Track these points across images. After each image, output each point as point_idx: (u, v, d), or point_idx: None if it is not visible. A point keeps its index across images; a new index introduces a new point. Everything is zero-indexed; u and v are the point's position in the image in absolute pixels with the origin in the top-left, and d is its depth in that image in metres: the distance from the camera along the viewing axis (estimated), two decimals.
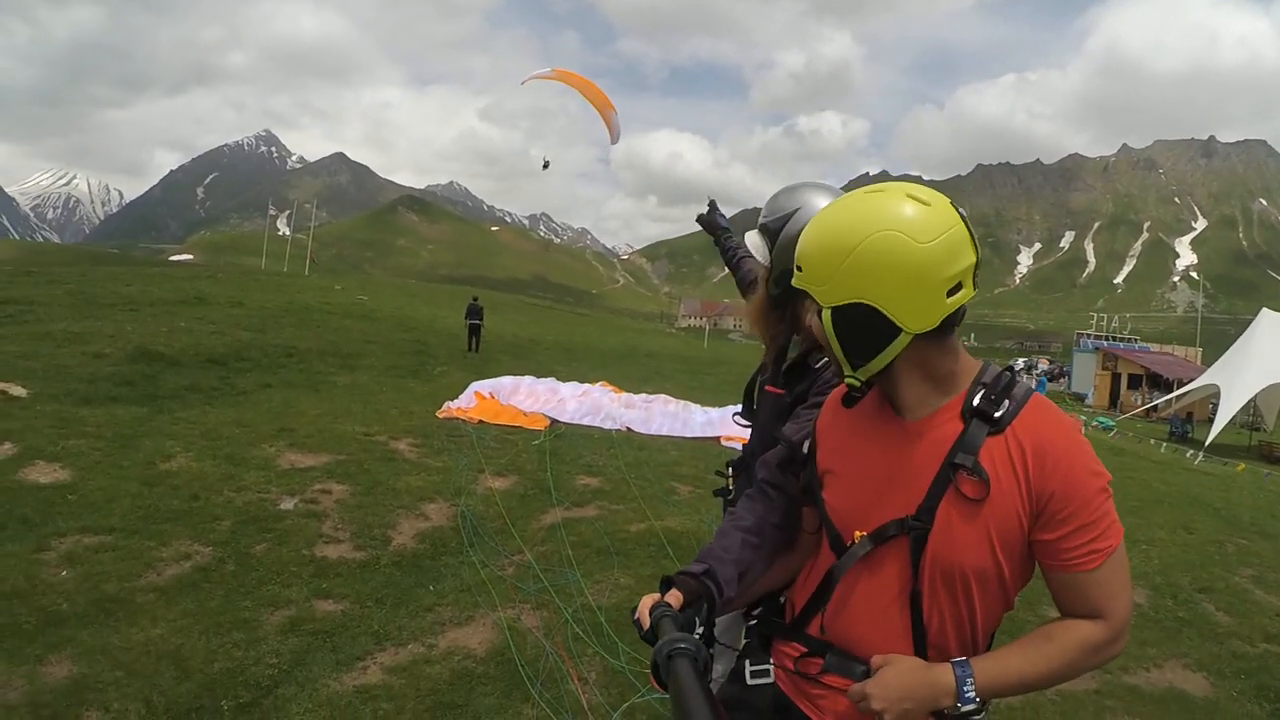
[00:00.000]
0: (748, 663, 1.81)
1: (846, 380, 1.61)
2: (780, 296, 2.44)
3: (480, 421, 11.51)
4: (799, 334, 2.45)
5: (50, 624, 4.48)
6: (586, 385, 15.18)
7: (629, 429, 12.22)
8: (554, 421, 12.03)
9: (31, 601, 4.70)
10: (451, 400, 12.71)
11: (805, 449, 1.88)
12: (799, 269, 1.60)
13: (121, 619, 4.64)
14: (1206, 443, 25.99)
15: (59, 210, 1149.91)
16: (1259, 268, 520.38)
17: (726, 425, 12.48)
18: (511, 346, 25.41)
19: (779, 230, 2.45)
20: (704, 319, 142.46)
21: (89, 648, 4.26)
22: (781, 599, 1.93)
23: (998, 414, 1.54)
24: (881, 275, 1.49)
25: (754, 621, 1.95)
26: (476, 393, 13.29)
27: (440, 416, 11.66)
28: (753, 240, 2.63)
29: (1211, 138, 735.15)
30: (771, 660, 1.80)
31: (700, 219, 3.90)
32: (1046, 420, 1.55)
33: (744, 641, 1.99)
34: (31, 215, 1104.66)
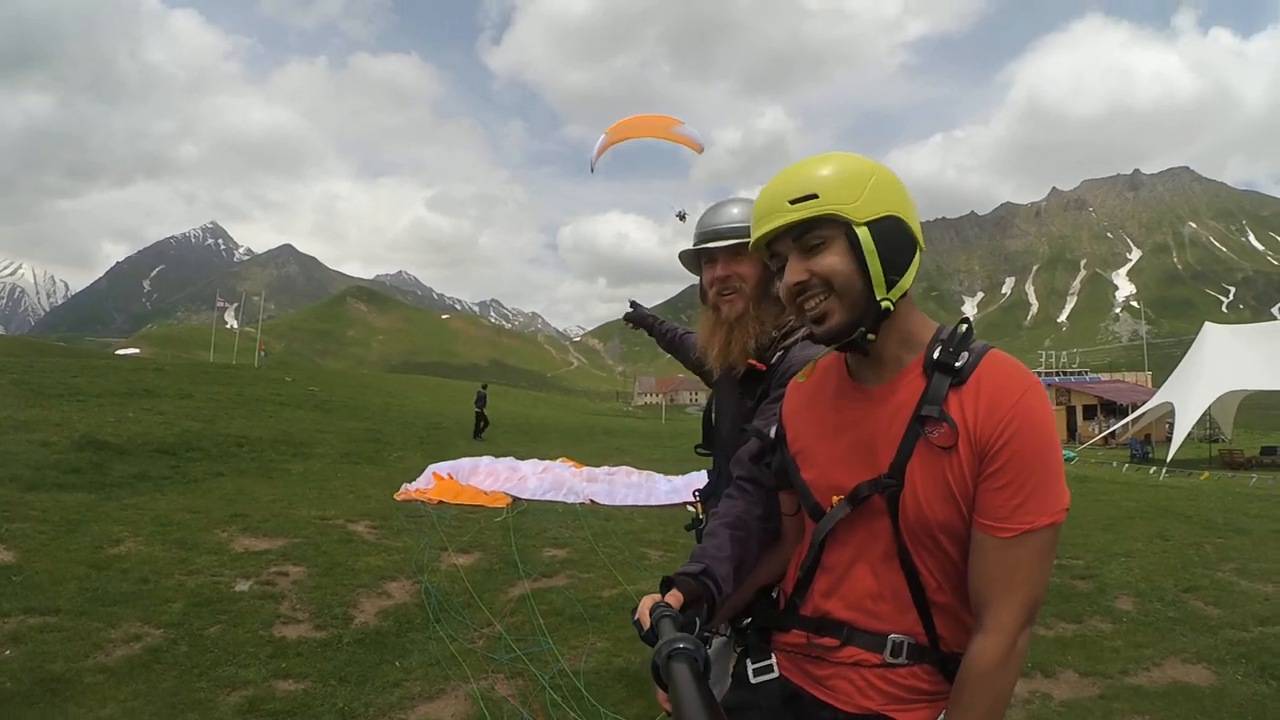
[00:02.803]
0: (749, 661, 1.80)
1: (884, 300, 1.54)
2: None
3: (440, 502, 11.32)
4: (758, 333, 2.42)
5: None
6: (546, 462, 15.03)
7: (593, 501, 12.08)
8: (516, 499, 11.85)
9: None
10: (409, 483, 12.51)
11: (773, 434, 1.87)
12: (813, 196, 1.52)
13: (69, 699, 4.38)
14: (1168, 458, 26.40)
15: (4, 301, 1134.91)
16: (1195, 286, 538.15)
17: (691, 491, 12.38)
18: (468, 430, 25.19)
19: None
20: (660, 395, 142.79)
21: None
22: (774, 593, 1.90)
23: (958, 364, 1.53)
24: (898, 194, 1.56)
25: (749, 620, 1.90)
26: (435, 474, 13.12)
27: (398, 499, 11.46)
28: (686, 258, 2.65)
29: (1136, 171, 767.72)
30: (774, 651, 1.78)
31: (628, 318, 3.97)
32: (1005, 370, 1.53)
33: (737, 650, 1.95)
34: None
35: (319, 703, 4.68)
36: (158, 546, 7.59)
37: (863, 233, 1.52)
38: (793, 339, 2.29)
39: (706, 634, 1.68)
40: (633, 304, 3.91)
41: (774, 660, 1.76)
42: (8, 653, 4.85)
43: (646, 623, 1.52)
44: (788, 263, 1.58)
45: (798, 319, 1.64)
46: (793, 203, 1.53)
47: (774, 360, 2.30)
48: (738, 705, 1.77)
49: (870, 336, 1.55)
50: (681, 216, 3.01)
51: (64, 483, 10.36)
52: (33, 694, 4.37)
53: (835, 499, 1.63)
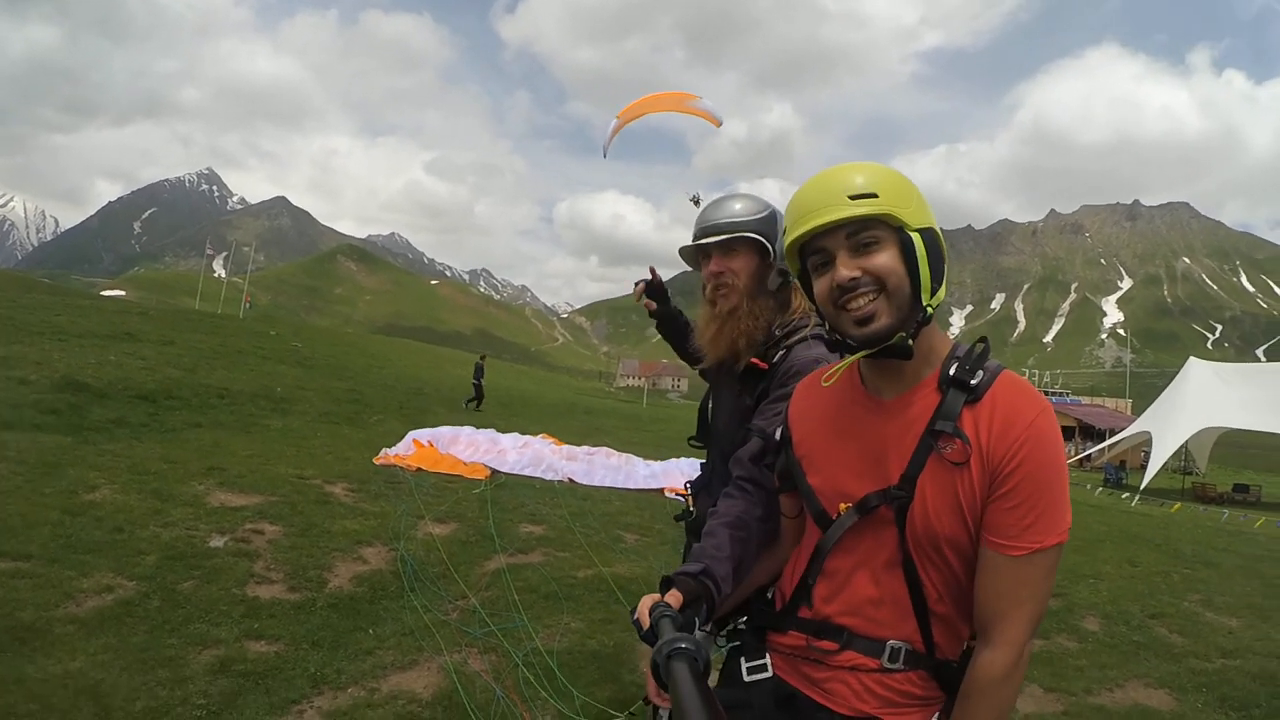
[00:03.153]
0: (743, 660, 1.82)
1: (929, 305, 1.55)
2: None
3: (419, 469, 11.30)
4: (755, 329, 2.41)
5: None
6: (527, 437, 15.01)
7: (571, 480, 12.07)
8: (494, 471, 11.84)
9: None
10: (389, 448, 12.46)
11: (779, 436, 1.89)
12: (873, 195, 1.52)
13: (37, 649, 4.32)
14: (1142, 486, 26.89)
15: None
16: (1183, 321, 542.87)
17: (670, 477, 12.44)
18: (449, 399, 25.13)
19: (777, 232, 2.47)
20: (643, 378, 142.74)
21: (1, 676, 3.95)
22: (770, 593, 1.91)
23: (973, 382, 1.55)
24: (930, 212, 1.58)
25: (744, 619, 1.93)
26: (415, 440, 13.08)
27: (377, 463, 11.42)
28: (686, 253, 2.63)
29: (1136, 201, 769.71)
30: (769, 651, 1.80)
31: (648, 288, 3.34)
32: (1018, 392, 1.54)
33: (732, 644, 1.95)
34: None
35: (291, 666, 4.65)
36: (133, 495, 7.54)
37: (917, 238, 1.53)
38: (796, 338, 2.28)
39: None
40: (653, 271, 3.43)
41: (769, 660, 1.78)
42: None
43: (646, 622, 1.53)
44: (837, 259, 1.56)
45: (832, 320, 1.61)
46: (852, 198, 1.52)
47: (776, 359, 2.29)
48: (730, 703, 1.77)
49: (910, 342, 1.54)
50: (696, 201, 2.93)
51: (41, 423, 10.25)
52: (1, 642, 4.32)
53: (843, 506, 1.64)
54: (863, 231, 1.53)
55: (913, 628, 1.60)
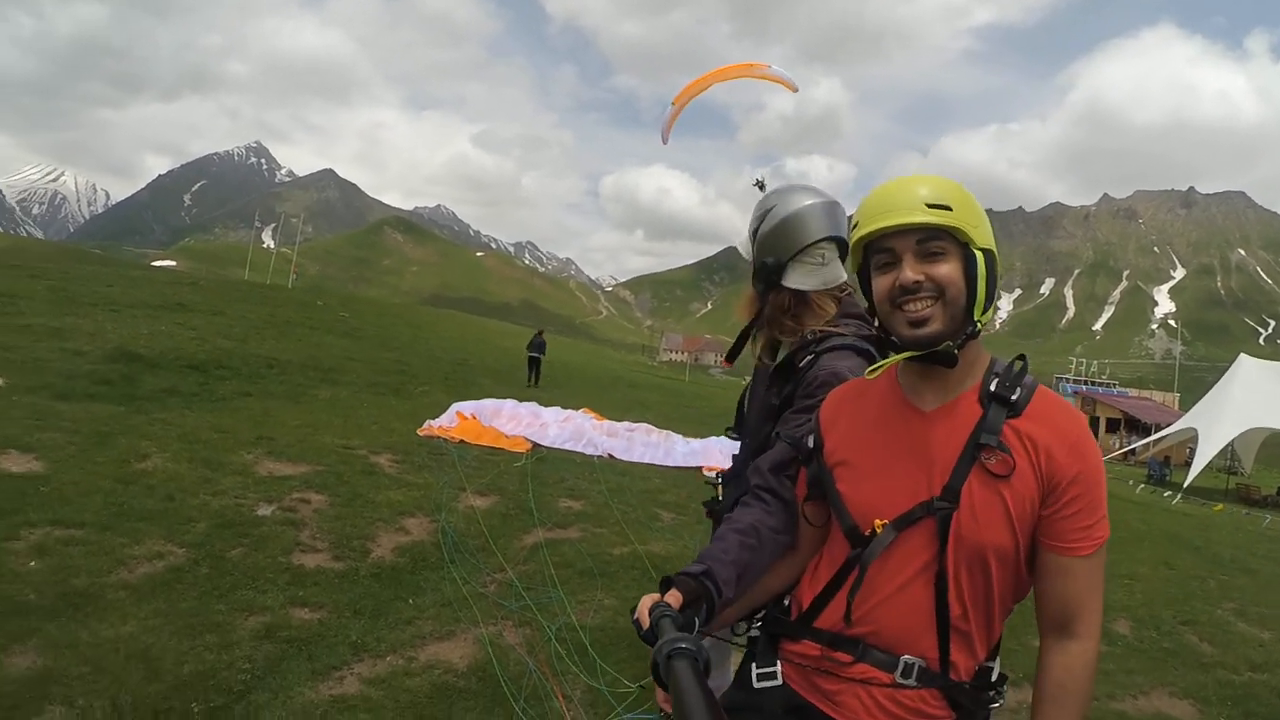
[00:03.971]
0: (754, 665, 1.82)
1: (979, 321, 1.62)
2: (761, 290, 2.45)
3: (461, 441, 11.39)
4: (776, 330, 2.46)
5: (16, 614, 4.33)
6: (569, 411, 15.07)
7: (611, 455, 12.13)
8: (535, 445, 11.91)
9: None
10: (433, 419, 12.58)
11: (811, 443, 1.88)
12: (948, 208, 1.58)
13: (90, 614, 4.49)
14: (1185, 484, 26.28)
15: (44, 206, 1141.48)
16: (1235, 314, 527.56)
17: (709, 455, 12.42)
18: (494, 371, 25.26)
19: (756, 230, 2.49)
20: (686, 354, 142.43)
21: (55, 640, 4.11)
22: (786, 601, 1.91)
23: (1014, 398, 1.61)
24: (993, 237, 1.65)
25: (759, 623, 1.94)
26: (458, 413, 13.17)
27: (421, 434, 11.53)
28: (743, 242, 2.64)
29: (1191, 188, 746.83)
30: (780, 660, 1.80)
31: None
32: (1060, 408, 1.63)
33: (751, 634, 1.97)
34: (17, 209, 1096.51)
35: (333, 633, 4.79)
36: (184, 464, 7.71)
37: (980, 256, 1.60)
38: (826, 345, 2.25)
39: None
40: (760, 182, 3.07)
41: (779, 668, 1.80)
42: (33, 564, 4.96)
43: (646, 622, 1.54)
44: (904, 261, 1.60)
45: (885, 318, 1.66)
46: (930, 206, 1.57)
47: (802, 363, 2.27)
48: (737, 705, 1.80)
49: (956, 352, 1.60)
50: (760, 185, 2.87)
51: (95, 393, 10.50)
52: (55, 607, 4.48)
53: (877, 523, 1.66)
54: (933, 240, 1.59)
55: (931, 643, 1.62)
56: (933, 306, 1.58)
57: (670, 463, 12.32)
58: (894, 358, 1.69)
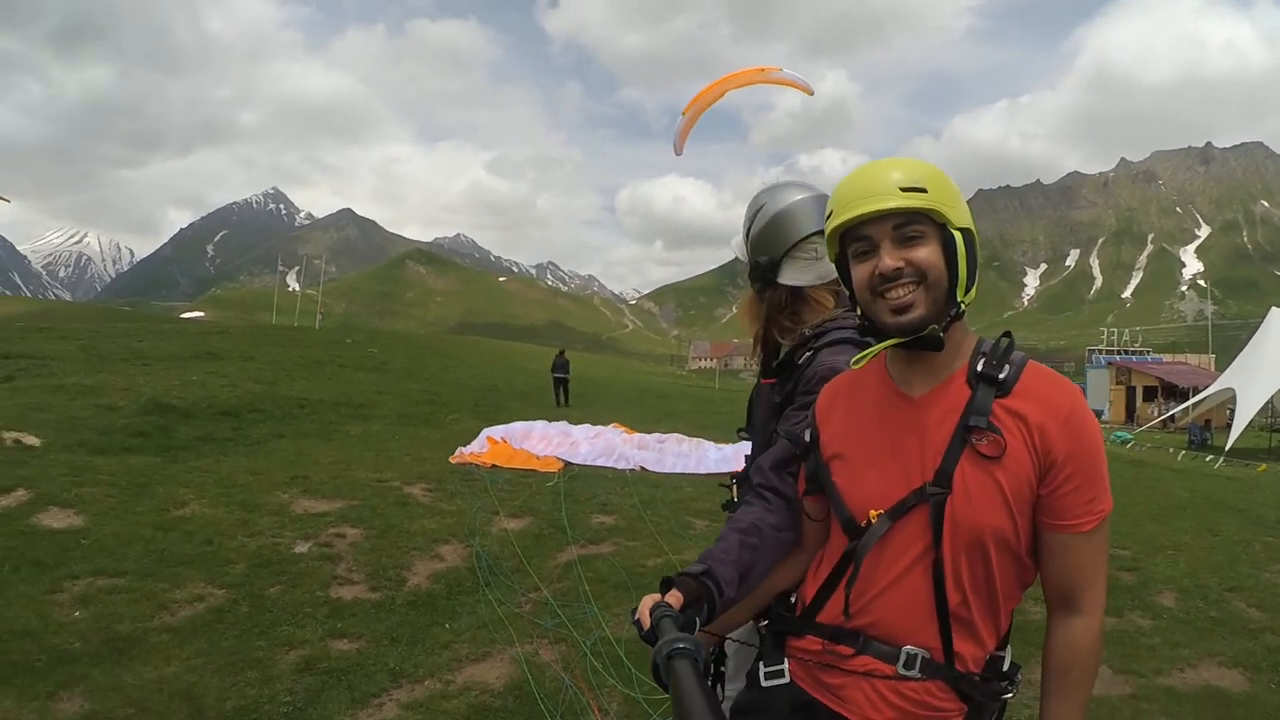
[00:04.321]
0: (761, 664, 1.81)
1: (962, 302, 1.61)
2: (759, 289, 2.45)
3: (493, 466, 11.45)
4: (775, 328, 2.44)
5: (62, 662, 4.45)
6: (599, 427, 15.09)
7: (643, 468, 12.14)
8: (567, 464, 11.95)
9: (43, 640, 4.68)
10: (464, 446, 12.66)
11: (807, 438, 1.87)
12: (923, 190, 1.56)
13: (134, 657, 4.60)
14: (1227, 447, 25.55)
15: (70, 268, 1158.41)
16: (1263, 267, 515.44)
17: (741, 460, 12.34)
18: (522, 394, 25.35)
19: (749, 230, 2.48)
20: (714, 360, 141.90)
21: (101, 685, 4.21)
22: (791, 598, 1.89)
23: (1001, 376, 1.59)
24: (970, 215, 1.63)
25: (765, 622, 1.92)
26: (489, 438, 13.24)
27: (453, 462, 11.60)
28: (736, 241, 2.64)
29: (1208, 144, 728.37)
30: (787, 657, 1.79)
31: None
32: (1050, 381, 1.61)
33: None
34: (43, 273, 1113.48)
35: (371, 662, 4.86)
36: (221, 508, 7.84)
37: (959, 236, 1.59)
38: (824, 340, 2.24)
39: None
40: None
41: (786, 665, 1.78)
42: (77, 614, 5.09)
43: (646, 622, 1.55)
44: (882, 248, 1.59)
45: (867, 307, 1.65)
46: (904, 190, 1.56)
47: (802, 360, 2.26)
48: (746, 706, 1.81)
49: (941, 335, 1.58)
50: None
51: (131, 446, 10.68)
52: (100, 653, 4.59)
53: (873, 514, 1.64)
54: (910, 224, 1.57)
55: (932, 633, 1.60)
56: (915, 292, 1.57)
57: (702, 470, 12.32)
58: (878, 346, 1.66)
